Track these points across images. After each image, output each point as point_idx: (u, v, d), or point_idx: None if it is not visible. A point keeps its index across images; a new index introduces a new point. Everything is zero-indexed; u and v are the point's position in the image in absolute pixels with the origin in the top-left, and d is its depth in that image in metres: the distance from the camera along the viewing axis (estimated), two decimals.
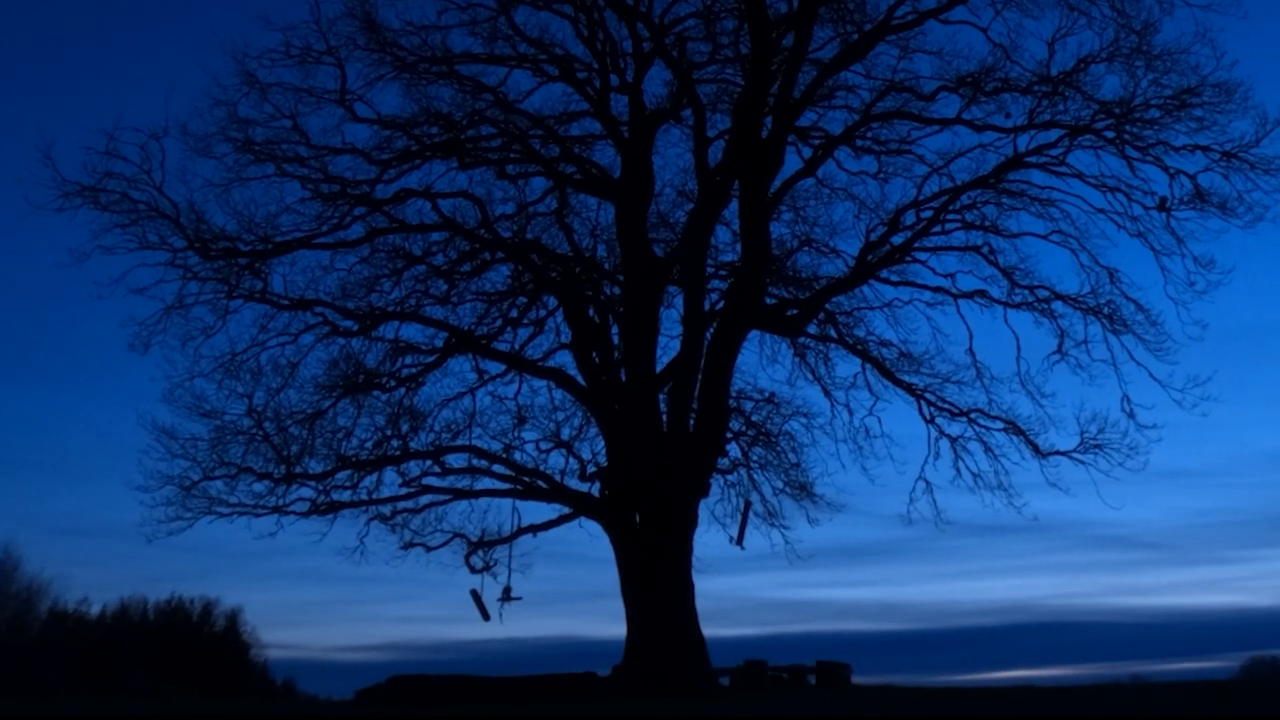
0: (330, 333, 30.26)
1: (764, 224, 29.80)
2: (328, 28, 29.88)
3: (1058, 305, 29.74)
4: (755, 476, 32.57)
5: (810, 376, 32.76)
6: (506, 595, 29.82)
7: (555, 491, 30.15)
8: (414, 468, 30.44)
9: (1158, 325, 28.91)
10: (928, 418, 30.71)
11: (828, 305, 31.55)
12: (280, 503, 29.60)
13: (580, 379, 30.53)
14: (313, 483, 29.83)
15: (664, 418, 29.42)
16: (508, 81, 31.80)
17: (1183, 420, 29.83)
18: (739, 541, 30.79)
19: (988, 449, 30.11)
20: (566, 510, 30.04)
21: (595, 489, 30.12)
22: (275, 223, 29.90)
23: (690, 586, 28.12)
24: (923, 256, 30.81)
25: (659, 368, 30.09)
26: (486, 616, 29.80)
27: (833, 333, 32.07)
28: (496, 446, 31.22)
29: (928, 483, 30.41)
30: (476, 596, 29.72)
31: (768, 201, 30.20)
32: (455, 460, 30.57)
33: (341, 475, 29.94)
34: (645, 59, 31.22)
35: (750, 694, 27.86)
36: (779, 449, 32.69)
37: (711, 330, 29.76)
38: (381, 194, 30.70)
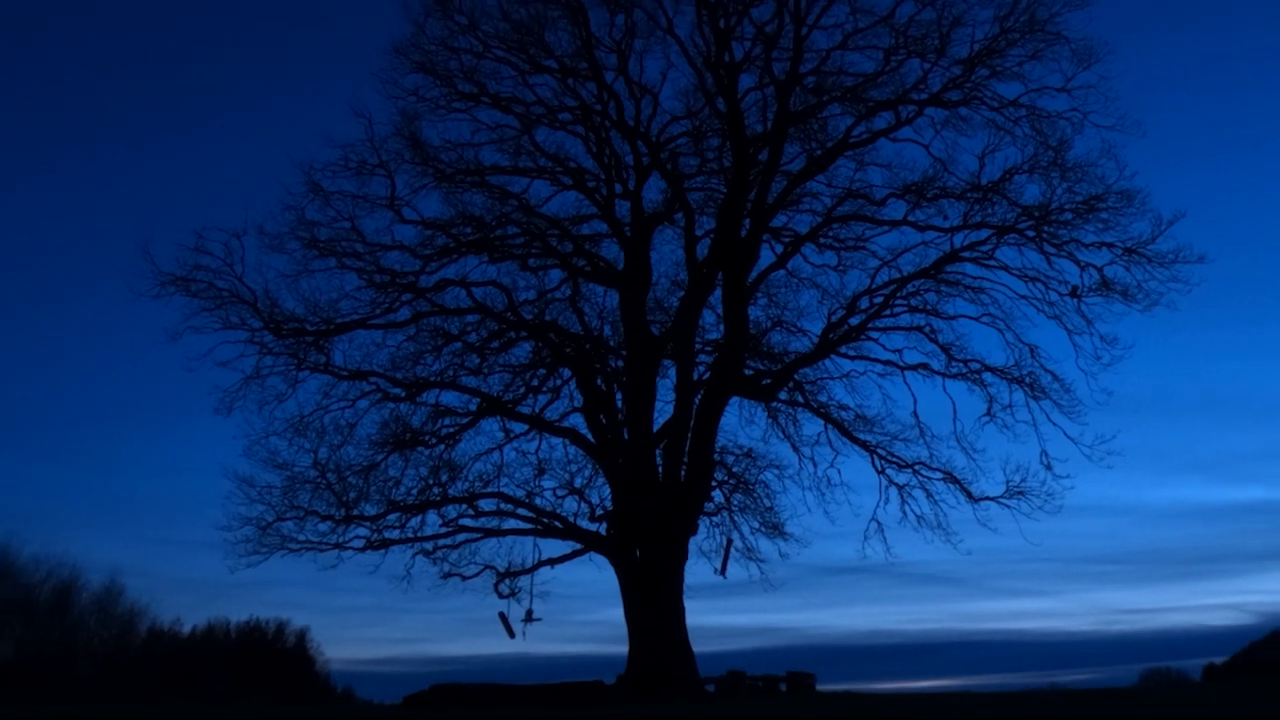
0: (382, 398, 33.40)
1: (743, 308, 33.01)
2: (380, 145, 33.34)
3: (987, 376, 32.83)
4: (736, 518, 35.45)
5: (781, 435, 35.69)
6: (529, 617, 32.60)
7: (569, 530, 33.00)
8: (451, 510, 33.30)
9: (1070, 392, 31.88)
10: (879, 469, 33.58)
11: (796, 376, 34.59)
12: (340, 540, 32.46)
13: (590, 437, 33.62)
14: (367, 523, 32.71)
15: (660, 469, 32.35)
16: (530, 189, 35.08)
17: (1091, 471, 32.93)
18: (722, 572, 33.69)
19: (929, 495, 32.96)
20: (579, 546, 32.97)
21: (603, 528, 33.03)
22: (336, 307, 33.06)
23: (682, 609, 31.05)
24: (875, 335, 33.87)
25: (656, 427, 33.08)
26: (512, 634, 32.51)
27: (800, 398, 35.15)
28: (520, 493, 34.02)
29: (879, 523, 33.16)
30: (504, 617, 32.58)
31: (746, 289, 33.32)
32: (486, 504, 33.50)
33: (391, 517, 32.86)
34: (644, 171, 34.63)
35: (732, 699, 30.99)
36: (756, 495, 35.44)
37: (699, 396, 32.67)
38: (425, 283, 33.88)
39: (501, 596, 33.09)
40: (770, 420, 35.79)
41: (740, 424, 43.40)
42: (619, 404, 34.08)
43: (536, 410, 34.97)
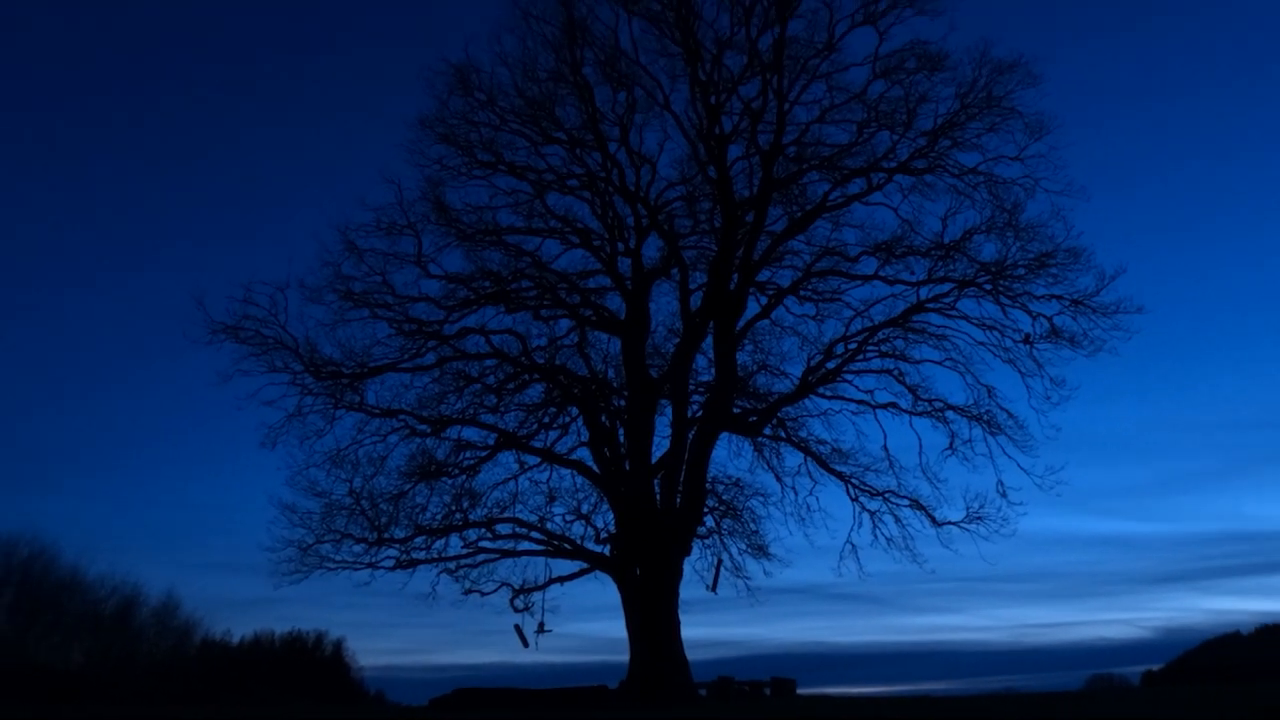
0: (410, 434, 34.69)
1: (732, 353, 34.85)
2: (408, 208, 34.99)
3: (950, 414, 34.56)
4: (725, 540, 36.59)
5: (766, 466, 37.00)
6: (541, 628, 33.91)
7: (577, 552, 34.45)
8: (472, 534, 34.54)
9: (1023, 428, 33.70)
10: (853, 497, 35.03)
11: (779, 414, 36.17)
12: (373, 560, 33.76)
13: (595, 468, 34.96)
14: (397, 545, 33.90)
15: (658, 497, 33.95)
16: (541, 248, 36.65)
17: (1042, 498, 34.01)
18: (713, 588, 35.26)
19: (897, 520, 34.42)
20: (585, 565, 34.46)
21: (607, 550, 34.42)
22: (369, 353, 34.55)
23: (677, 621, 32.68)
24: (849, 377, 35.54)
25: (654, 460, 34.54)
26: (526, 644, 33.81)
27: (783, 434, 36.58)
28: (533, 518, 35.08)
29: (853, 545, 34.65)
30: (519, 629, 33.90)
31: (734, 337, 35.15)
32: (503, 528, 34.66)
33: (418, 539, 34.10)
34: (644, 231, 36.33)
35: (721, 702, 32.97)
36: (743, 520, 36.65)
37: (693, 432, 34.35)
38: (448, 331, 35.33)
39: (516, 610, 34.22)
40: (756, 453, 37.14)
41: (729, 457, 45.65)
42: (621, 439, 35.48)
43: (548, 444, 36.08)
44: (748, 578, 35.89)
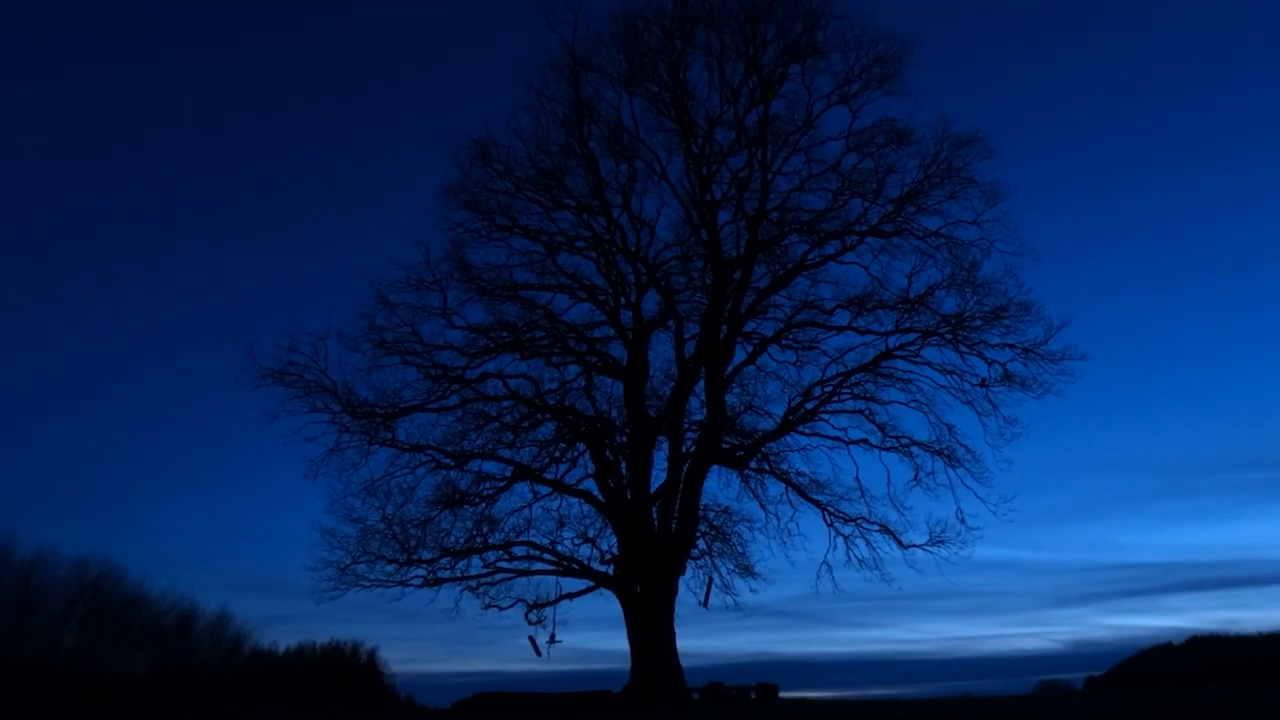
0: (436, 467, 36.54)
1: (721, 396, 37.12)
2: (435, 266, 37.35)
3: (915, 449, 36.58)
4: (715, 561, 38.13)
5: (752, 496, 38.67)
6: (552, 639, 35.82)
7: (584, 571, 36.17)
8: (491, 555, 36.36)
9: (980, 462, 35.81)
10: (829, 522, 37.09)
11: (763, 449, 37.96)
12: (403, 579, 35.56)
13: (601, 497, 36.82)
14: (424, 565, 35.69)
15: (656, 523, 35.93)
16: (553, 302, 38.94)
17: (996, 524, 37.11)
18: (704, 603, 36.83)
19: (868, 543, 36.41)
20: (591, 584, 36.33)
21: (611, 570, 36.08)
22: (400, 395, 36.60)
23: (673, 633, 34.79)
24: (826, 417, 37.70)
25: (652, 490, 36.46)
26: (539, 653, 35.70)
27: (766, 467, 38.27)
28: (546, 541, 36.95)
29: (829, 565, 36.48)
30: (533, 640, 35.92)
31: (724, 381, 37.39)
32: (518, 550, 36.55)
33: (444, 560, 35.84)
34: (643, 287, 38.65)
35: (712, 704, 34.63)
36: (731, 543, 38.27)
37: (687, 466, 36.39)
38: (470, 376, 37.40)
39: (531, 623, 36.06)
40: (743, 484, 38.91)
41: (719, 487, 48.22)
42: (623, 471, 37.27)
43: (558, 476, 37.96)
44: (735, 594, 37.38)
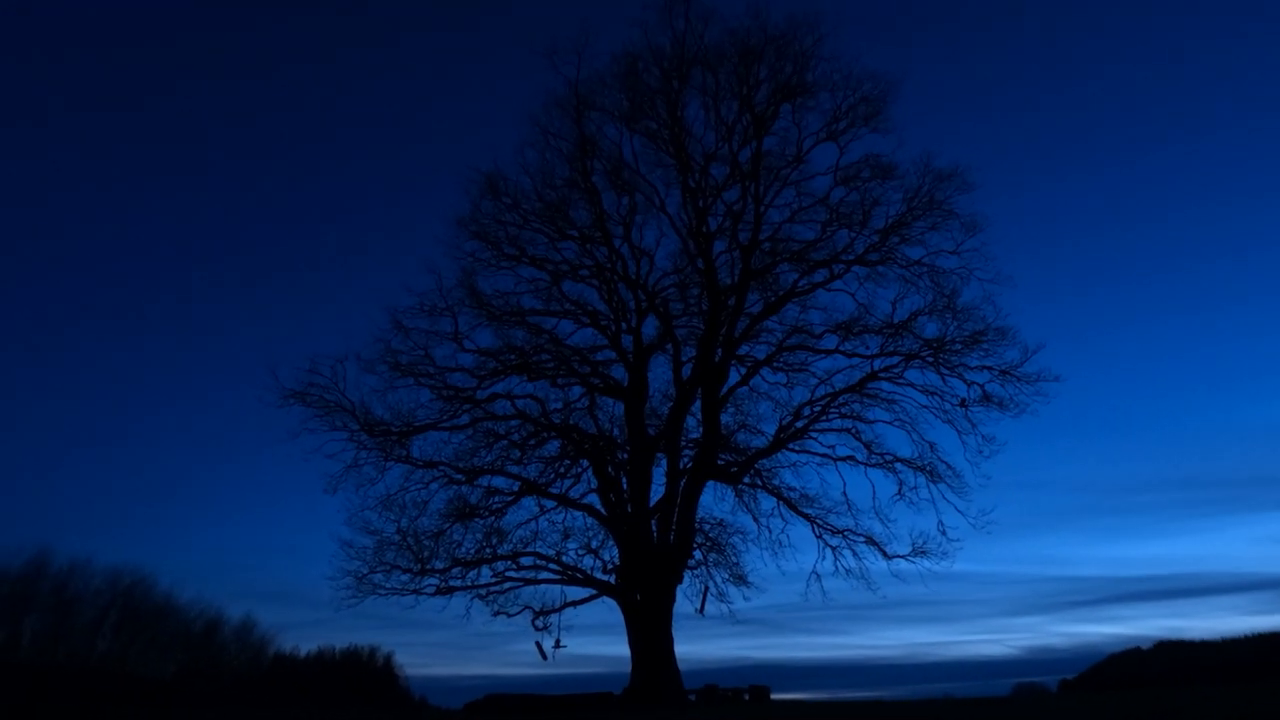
0: (448, 482, 37.55)
1: (716, 415, 38.18)
2: (446, 294, 38.57)
3: (898, 465, 37.70)
4: (711, 571, 39.16)
5: (745, 509, 39.90)
6: (557, 644, 36.78)
7: (588, 580, 37.09)
8: (500, 565, 37.25)
9: (960, 477, 36.92)
10: (818, 534, 38.11)
11: (756, 465, 39.06)
12: (417, 587, 36.40)
13: (603, 510, 37.77)
14: (437, 575, 36.60)
15: (655, 535, 36.87)
16: (558, 327, 40.11)
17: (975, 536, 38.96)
18: (700, 611, 37.86)
19: (855, 554, 37.45)
20: (594, 592, 37.14)
21: (613, 579, 36.90)
22: (414, 414, 37.72)
23: (671, 638, 35.72)
24: (815, 435, 38.84)
25: (651, 504, 37.38)
26: (545, 657, 36.60)
27: (759, 482, 39.38)
28: (551, 552, 37.82)
29: (818, 575, 37.66)
30: (539, 645, 36.84)
31: (719, 401, 38.49)
32: (525, 561, 37.45)
33: (455, 570, 36.84)
34: (643, 313, 39.78)
35: (708, 706, 34.98)
36: (726, 554, 39.36)
37: (684, 481, 37.41)
38: (480, 396, 38.38)
39: (537, 629, 36.92)
40: (737, 498, 40.11)
41: (715, 501, 51.44)
42: (624, 486, 38.13)
43: (563, 491, 38.99)
44: (729, 602, 38.44)
